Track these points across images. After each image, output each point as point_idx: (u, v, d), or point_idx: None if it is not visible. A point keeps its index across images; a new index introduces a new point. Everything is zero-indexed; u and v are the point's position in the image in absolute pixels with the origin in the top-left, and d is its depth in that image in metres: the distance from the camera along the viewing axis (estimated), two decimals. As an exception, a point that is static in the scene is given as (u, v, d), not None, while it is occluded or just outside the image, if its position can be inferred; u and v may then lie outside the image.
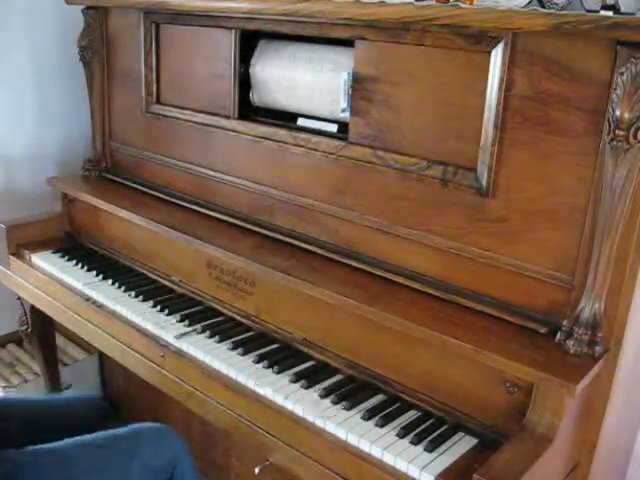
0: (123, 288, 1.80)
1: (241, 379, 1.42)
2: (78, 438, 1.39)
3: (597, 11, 1.29)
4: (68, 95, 2.44)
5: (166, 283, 1.83)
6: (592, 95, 1.16)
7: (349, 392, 1.37)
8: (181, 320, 1.64)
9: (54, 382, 2.24)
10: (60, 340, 2.38)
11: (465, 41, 1.28)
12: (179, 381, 1.52)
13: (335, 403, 1.33)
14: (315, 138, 1.58)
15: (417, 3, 1.33)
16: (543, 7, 1.31)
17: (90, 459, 1.37)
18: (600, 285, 1.18)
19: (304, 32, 1.55)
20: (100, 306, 1.75)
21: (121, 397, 2.40)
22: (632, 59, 1.07)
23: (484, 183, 1.30)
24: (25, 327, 2.15)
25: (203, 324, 1.62)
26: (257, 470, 1.50)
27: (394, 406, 1.33)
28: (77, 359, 2.43)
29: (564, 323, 1.22)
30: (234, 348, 1.52)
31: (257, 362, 1.47)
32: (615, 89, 1.09)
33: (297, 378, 1.40)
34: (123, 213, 1.90)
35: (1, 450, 1.30)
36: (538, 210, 1.26)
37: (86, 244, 2.10)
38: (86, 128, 2.24)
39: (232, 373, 1.44)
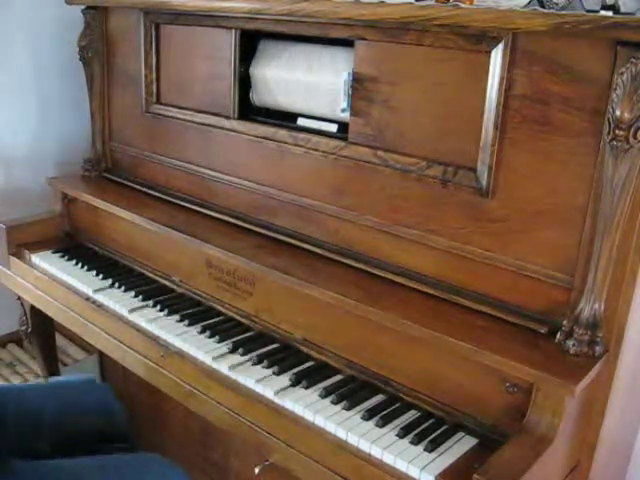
0: (123, 288, 1.80)
1: (241, 379, 1.42)
2: (86, 459, 1.39)
3: (597, 11, 1.29)
4: (68, 95, 2.44)
5: (166, 283, 1.83)
6: (592, 95, 1.16)
7: (349, 392, 1.36)
8: (181, 320, 1.64)
9: (54, 382, 2.24)
10: (60, 340, 2.39)
11: (465, 41, 1.28)
12: (179, 381, 1.52)
13: (335, 403, 1.33)
14: (315, 138, 1.58)
15: (417, 3, 1.33)
16: (543, 7, 1.31)
17: None
18: (600, 285, 1.18)
19: (304, 32, 1.55)
20: (100, 306, 1.75)
21: (121, 397, 2.40)
22: (632, 59, 1.07)
23: (484, 183, 1.30)
24: (25, 327, 2.15)
25: (203, 324, 1.62)
26: (257, 470, 1.50)
27: (394, 406, 1.33)
28: (77, 359, 2.43)
29: (564, 323, 1.22)
30: (234, 348, 1.52)
31: (257, 362, 1.47)
32: (615, 89, 1.09)
33: (297, 378, 1.40)
34: (123, 213, 1.90)
35: (5, 461, 1.30)
36: (538, 210, 1.26)
37: (86, 244, 2.10)
38: (86, 128, 2.24)
39: (232, 373, 1.44)
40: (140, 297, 1.75)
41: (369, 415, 1.29)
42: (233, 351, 1.51)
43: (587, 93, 1.16)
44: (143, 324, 1.64)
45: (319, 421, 1.29)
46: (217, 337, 1.56)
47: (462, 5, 1.29)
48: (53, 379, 2.00)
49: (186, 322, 1.62)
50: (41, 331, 2.16)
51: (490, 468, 1.06)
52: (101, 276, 1.87)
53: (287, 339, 1.55)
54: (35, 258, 2.01)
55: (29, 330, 2.14)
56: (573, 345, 1.19)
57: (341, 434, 1.25)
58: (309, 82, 1.60)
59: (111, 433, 1.57)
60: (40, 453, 1.41)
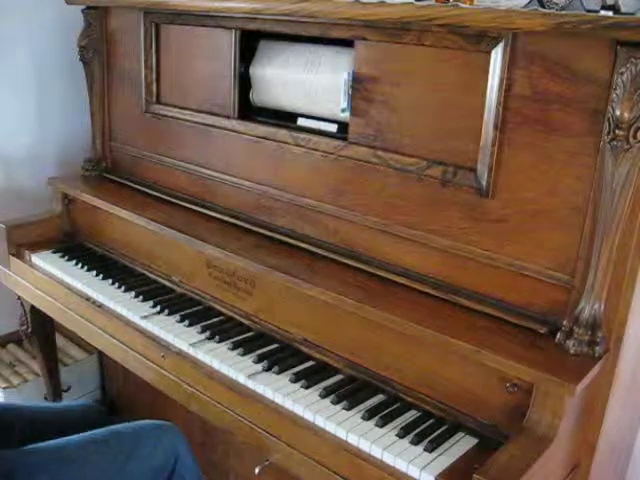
0: (123, 288, 1.80)
1: (241, 379, 1.42)
2: (79, 435, 1.39)
3: (597, 11, 1.29)
4: (68, 95, 2.44)
5: (166, 283, 1.83)
6: (592, 95, 1.16)
7: (349, 392, 1.36)
8: (181, 320, 1.64)
9: (54, 382, 2.23)
10: (60, 340, 2.38)
11: (465, 41, 1.28)
12: (179, 381, 1.52)
13: (335, 403, 1.33)
14: (315, 138, 1.58)
15: (417, 3, 1.33)
16: (543, 7, 1.31)
17: (88, 455, 1.37)
18: (600, 285, 1.18)
19: (304, 32, 1.55)
20: (100, 306, 1.75)
21: (121, 397, 2.40)
22: (632, 59, 1.07)
23: (484, 183, 1.30)
24: (25, 327, 2.15)
25: (203, 324, 1.62)
26: (257, 470, 1.50)
27: (394, 406, 1.33)
28: (77, 359, 2.43)
29: (564, 323, 1.22)
30: (234, 348, 1.52)
31: (257, 362, 1.47)
32: (615, 89, 1.09)
33: (297, 378, 1.40)
34: (123, 213, 1.90)
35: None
36: (538, 210, 1.26)
37: (86, 244, 2.10)
38: (86, 128, 2.24)
39: (232, 373, 1.44)
40: (140, 297, 1.75)
41: (369, 415, 1.29)
42: (233, 351, 1.51)
43: (587, 93, 1.16)
44: (143, 324, 1.64)
45: (319, 421, 1.29)
46: (217, 337, 1.56)
47: (462, 5, 1.29)
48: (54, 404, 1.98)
49: (186, 322, 1.62)
50: (41, 331, 2.16)
51: (490, 468, 1.06)
52: (101, 276, 1.87)
53: (287, 339, 1.55)
54: (35, 258, 2.01)
55: (29, 330, 2.14)
56: (573, 345, 1.19)
57: (341, 434, 1.25)
58: (309, 82, 1.60)
59: None
60: None
